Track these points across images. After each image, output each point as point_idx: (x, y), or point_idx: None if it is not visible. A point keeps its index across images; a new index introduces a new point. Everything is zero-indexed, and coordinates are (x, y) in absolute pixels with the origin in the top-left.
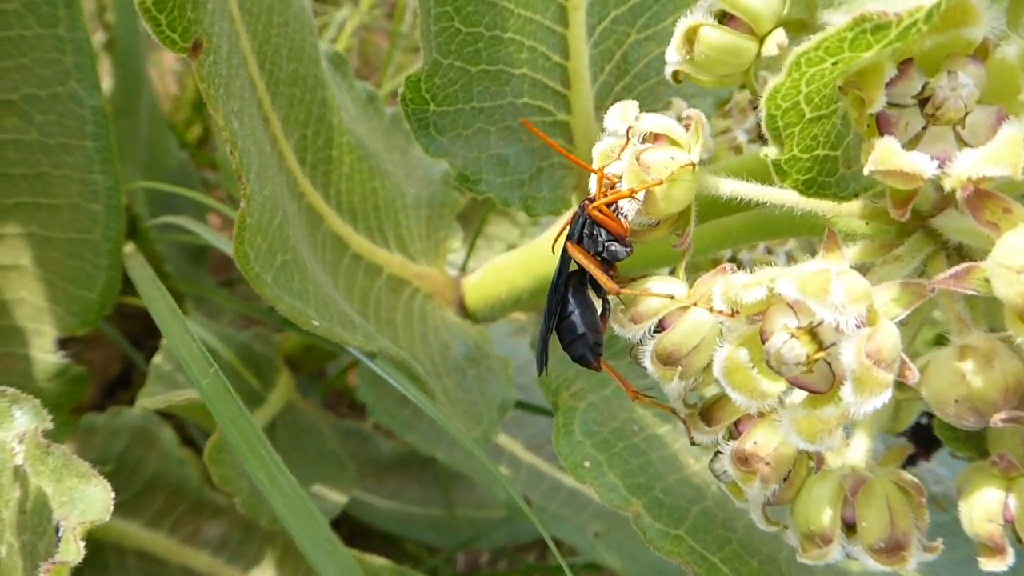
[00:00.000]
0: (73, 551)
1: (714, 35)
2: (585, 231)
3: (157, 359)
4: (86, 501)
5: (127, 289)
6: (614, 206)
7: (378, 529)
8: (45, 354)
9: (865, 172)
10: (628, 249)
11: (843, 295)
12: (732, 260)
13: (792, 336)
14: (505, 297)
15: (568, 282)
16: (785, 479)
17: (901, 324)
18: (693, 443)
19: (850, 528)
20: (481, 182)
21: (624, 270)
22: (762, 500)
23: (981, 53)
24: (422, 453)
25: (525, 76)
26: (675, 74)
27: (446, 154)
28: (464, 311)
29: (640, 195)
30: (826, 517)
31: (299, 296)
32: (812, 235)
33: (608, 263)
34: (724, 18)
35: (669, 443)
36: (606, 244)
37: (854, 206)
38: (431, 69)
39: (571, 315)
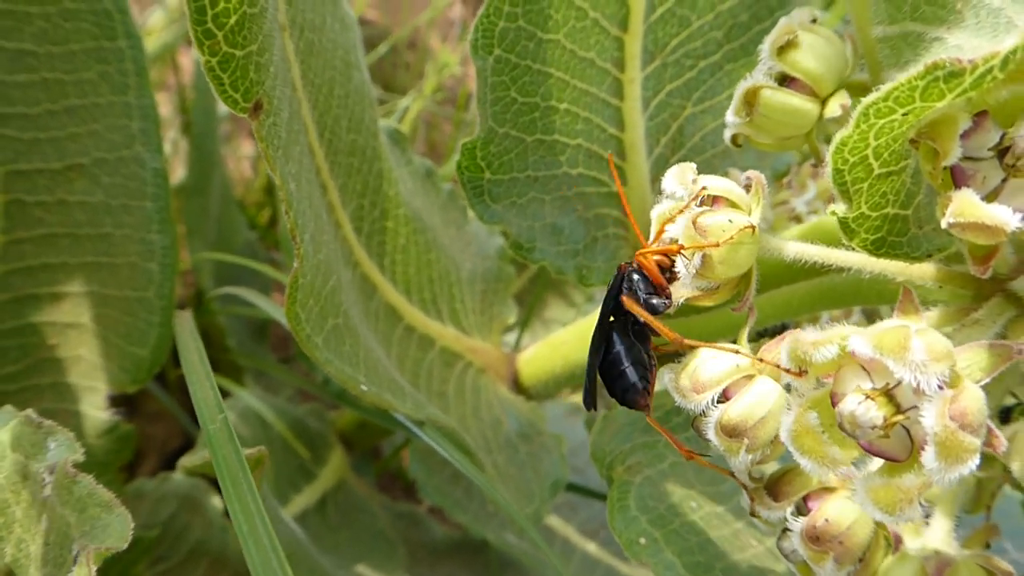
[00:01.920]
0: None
1: (775, 97)
2: (626, 284)
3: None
4: (106, 530)
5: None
6: (662, 265)
7: None
8: (96, 411)
9: (943, 225)
10: (667, 302)
11: (924, 352)
12: None
13: (867, 397)
14: (559, 372)
15: (613, 324)
16: (861, 560)
17: (984, 390)
18: (754, 515)
19: None
20: (535, 250)
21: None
22: None
23: None
24: (473, 535)
25: (580, 147)
26: (735, 137)
27: (500, 222)
28: (518, 387)
29: (696, 258)
30: None
31: (349, 360)
32: (880, 303)
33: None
34: (785, 80)
35: (729, 522)
36: (646, 298)
37: (927, 268)
38: (487, 137)
39: (616, 351)
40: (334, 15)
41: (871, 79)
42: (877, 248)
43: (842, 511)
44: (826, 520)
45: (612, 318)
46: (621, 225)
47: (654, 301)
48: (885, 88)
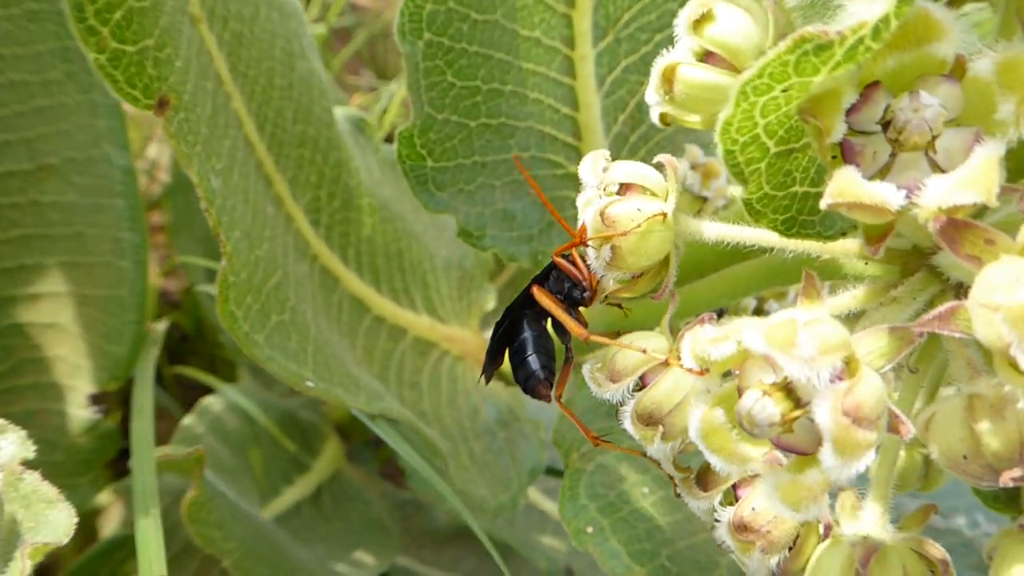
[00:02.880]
0: (16, 571)
1: (693, 73)
2: (552, 276)
3: (188, 420)
4: (50, 525)
5: (181, 360)
6: (584, 254)
7: None
8: (79, 409)
9: (822, 205)
10: (589, 294)
11: (812, 346)
12: (758, 310)
13: (765, 394)
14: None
15: (527, 311)
16: (791, 548)
17: (912, 372)
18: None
19: None
20: (486, 237)
21: (625, 327)
22: (767, 572)
23: (958, 71)
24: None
25: (531, 129)
26: (662, 116)
27: (446, 210)
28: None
29: (606, 250)
30: None
31: (295, 357)
32: (823, 279)
33: (573, 307)
34: (705, 56)
35: (682, 506)
36: (569, 290)
37: (850, 245)
38: (424, 124)
39: (523, 337)
40: (270, 4)
41: None
42: (788, 228)
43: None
44: (753, 509)
45: (528, 305)
46: None
47: (576, 293)
48: (759, 63)
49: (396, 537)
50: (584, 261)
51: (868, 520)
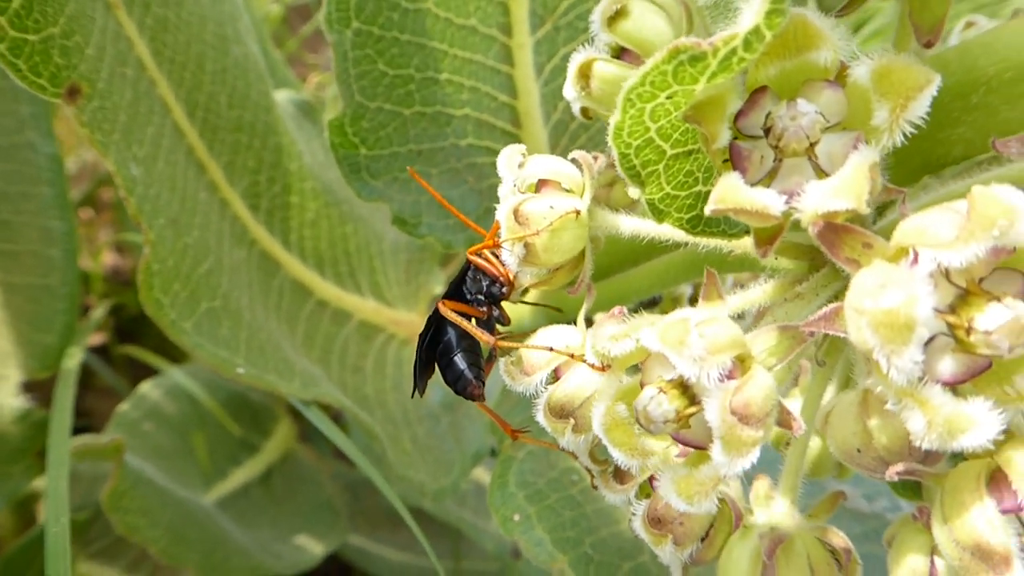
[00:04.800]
0: None
1: (607, 69)
2: (469, 275)
3: (123, 406)
4: None
5: (133, 339)
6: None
7: None
8: (9, 398)
9: (706, 212)
10: (506, 289)
11: (702, 346)
12: (694, 297)
13: (661, 391)
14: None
15: (444, 322)
16: (704, 538)
17: (820, 365)
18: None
19: None
20: (421, 225)
21: (553, 318)
22: (680, 563)
23: (841, 77)
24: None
25: (468, 117)
26: (584, 111)
27: (380, 198)
28: None
29: (518, 248)
30: None
31: (226, 343)
32: (742, 270)
33: (494, 303)
34: (621, 52)
35: None
36: (488, 287)
37: (750, 242)
38: (355, 112)
39: (447, 339)
40: None
41: None
42: (694, 226)
43: None
44: (666, 503)
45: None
46: None
47: (494, 289)
48: (639, 72)
49: (345, 519)
50: (499, 257)
51: (778, 509)
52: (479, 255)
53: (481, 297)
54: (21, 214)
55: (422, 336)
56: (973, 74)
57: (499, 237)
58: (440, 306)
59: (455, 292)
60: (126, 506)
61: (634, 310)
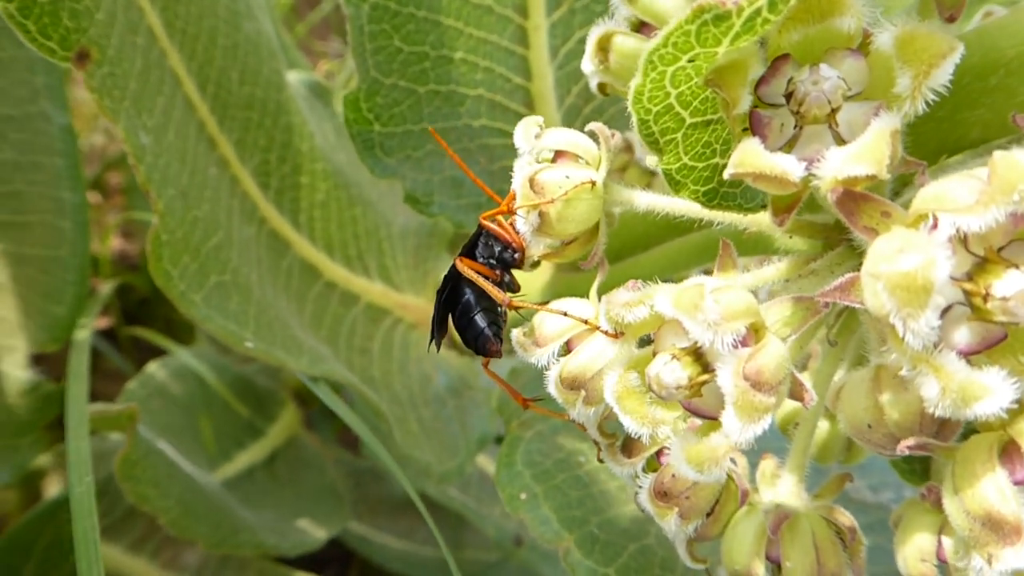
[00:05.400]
0: None
1: (627, 43)
2: (481, 240)
3: (131, 384)
4: None
5: (138, 322)
6: (512, 220)
7: (388, 570)
8: (18, 370)
9: (725, 176)
10: (519, 256)
11: (716, 311)
12: None
13: (674, 357)
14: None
15: (460, 280)
16: (709, 514)
17: (832, 344)
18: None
19: (780, 567)
20: (433, 204)
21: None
22: (685, 536)
23: (864, 46)
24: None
25: (482, 97)
26: (601, 87)
27: (394, 175)
28: (452, 341)
29: (533, 216)
30: (749, 556)
31: (235, 317)
32: (756, 253)
33: (505, 269)
34: (640, 26)
35: (616, 475)
36: (500, 252)
37: (767, 217)
38: (370, 88)
39: (466, 299)
40: None
41: None
42: (710, 200)
43: None
44: (673, 476)
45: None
46: None
47: (507, 255)
48: (663, 32)
49: (348, 504)
50: (511, 223)
51: (784, 488)
52: (492, 221)
53: (493, 262)
54: (33, 185)
55: (439, 292)
56: (992, 56)
57: (514, 204)
58: (457, 262)
59: (468, 256)
60: (138, 475)
61: None
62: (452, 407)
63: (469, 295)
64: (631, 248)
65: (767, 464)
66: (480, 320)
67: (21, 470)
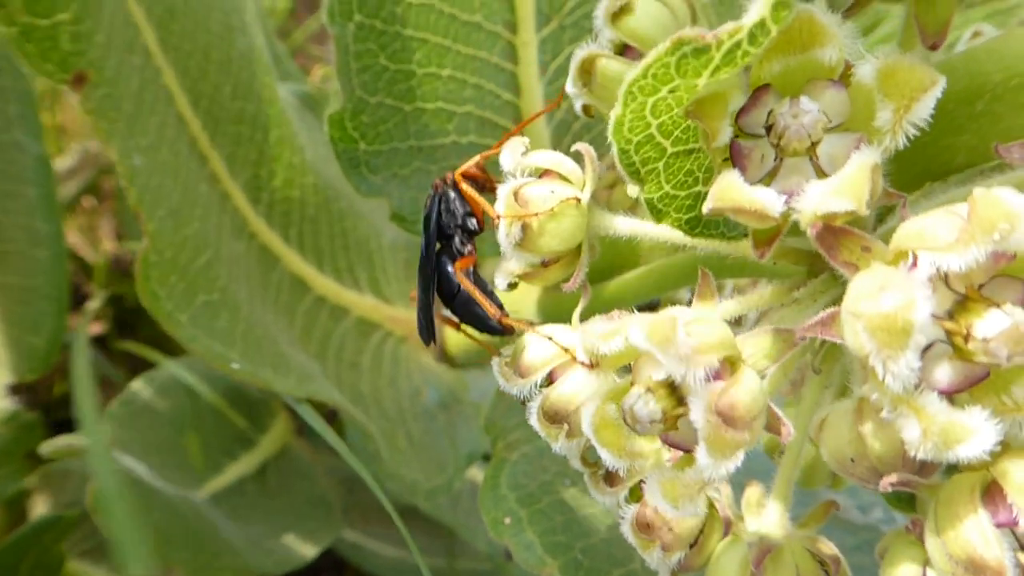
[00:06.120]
0: None
1: (611, 66)
2: (442, 206)
3: (113, 404)
4: None
5: (131, 329)
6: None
7: None
8: None
9: (704, 210)
10: (480, 225)
11: (689, 345)
12: (691, 302)
13: (648, 390)
14: (487, 339)
15: (442, 252)
16: (693, 545)
17: (816, 372)
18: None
19: None
20: (418, 222)
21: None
22: (668, 568)
23: (845, 77)
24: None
25: (471, 114)
26: (585, 108)
27: (379, 194)
28: (443, 355)
29: (516, 228)
30: None
31: (222, 337)
32: (742, 275)
33: (466, 237)
34: (624, 48)
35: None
36: (464, 217)
37: (749, 245)
38: (356, 107)
39: (461, 291)
40: None
41: None
42: (692, 228)
43: None
44: (655, 508)
45: (438, 245)
46: None
47: (472, 222)
48: (643, 63)
49: (339, 515)
50: (483, 190)
51: (769, 517)
52: (467, 182)
53: (457, 226)
54: (7, 214)
55: (427, 281)
56: (978, 81)
57: (488, 169)
58: (456, 270)
59: (435, 230)
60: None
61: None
62: (442, 422)
63: (457, 280)
64: (619, 267)
65: (752, 492)
66: (479, 311)
67: (2, 497)
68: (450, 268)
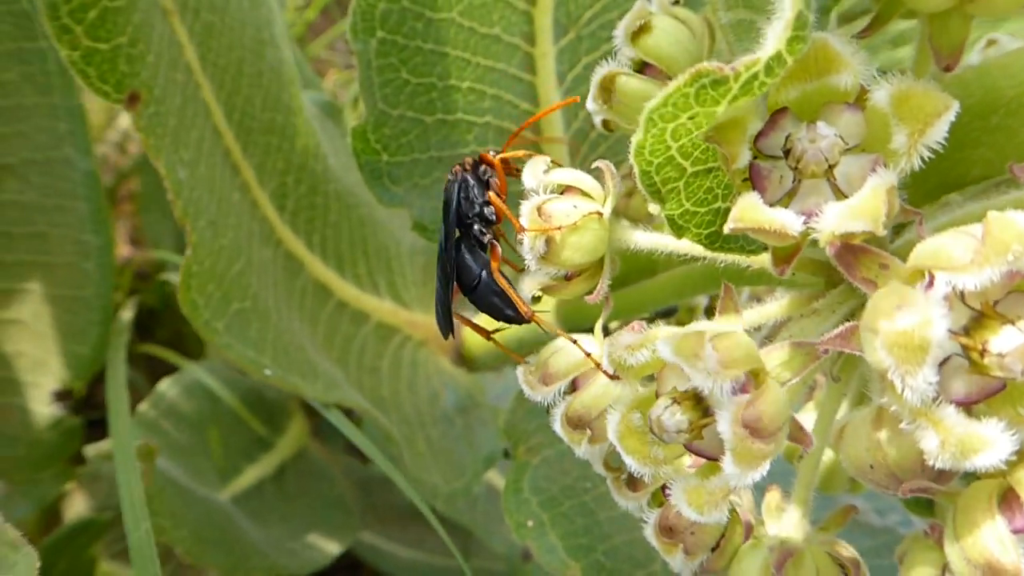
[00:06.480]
0: None
1: (630, 83)
2: (462, 193)
3: (143, 405)
4: (13, 569)
5: (149, 332)
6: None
7: None
8: (42, 406)
9: (725, 230)
10: (498, 215)
11: (716, 359)
12: (710, 308)
13: (675, 401)
14: (505, 342)
15: (461, 241)
16: (715, 548)
17: (835, 380)
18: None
19: None
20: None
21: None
22: (691, 571)
23: (861, 100)
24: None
25: (490, 124)
26: (605, 123)
27: (401, 204)
28: (461, 359)
29: (541, 242)
30: None
31: (254, 344)
32: (759, 284)
33: (485, 226)
34: (644, 66)
35: None
36: (483, 205)
37: (768, 258)
38: (378, 120)
39: (483, 280)
40: None
41: (729, 58)
42: (712, 242)
43: None
44: (678, 512)
45: (457, 233)
46: None
47: (487, 212)
48: (662, 94)
49: (357, 516)
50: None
51: (789, 521)
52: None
53: (476, 215)
54: (58, 227)
55: (446, 272)
56: (993, 96)
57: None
58: (490, 272)
59: (455, 219)
60: (155, 509)
61: (650, 319)
62: (460, 426)
63: (479, 270)
64: (636, 274)
65: (772, 496)
66: (499, 303)
67: (42, 502)
68: (468, 257)
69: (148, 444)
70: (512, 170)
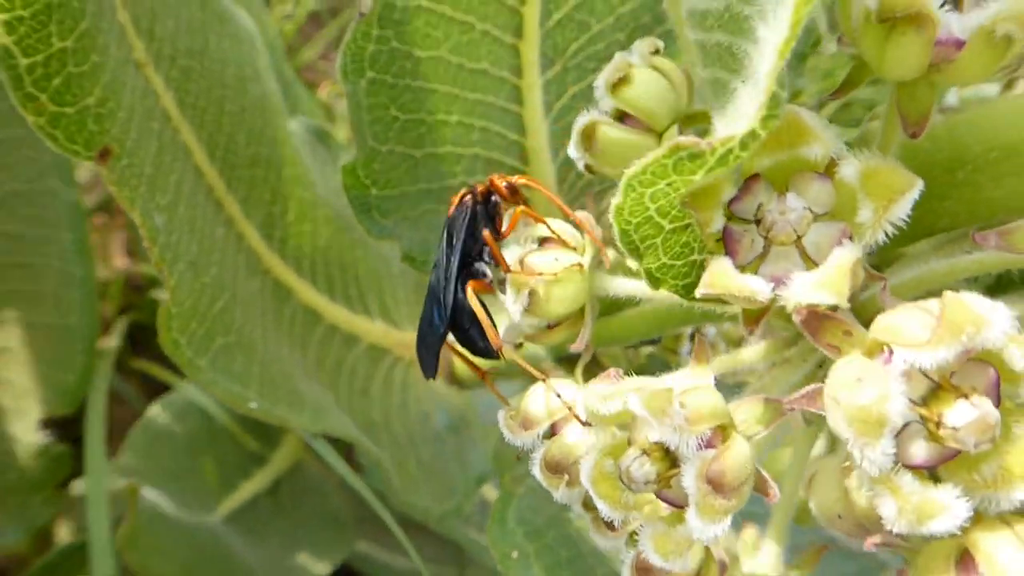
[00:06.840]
0: None
1: (611, 133)
2: (469, 230)
3: (134, 432)
4: None
5: (142, 352)
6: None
7: None
8: (28, 434)
9: (697, 295)
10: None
11: (683, 416)
12: (694, 335)
13: (644, 452)
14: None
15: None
16: None
17: (807, 423)
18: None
19: None
20: (429, 261)
21: (558, 353)
22: None
23: (830, 169)
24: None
25: (478, 156)
26: (588, 167)
27: (391, 236)
28: (452, 377)
29: (524, 295)
30: None
31: (239, 378)
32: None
33: (485, 263)
34: (623, 115)
35: None
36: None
37: None
38: (368, 156)
39: (470, 329)
40: (220, 33)
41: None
42: (688, 292)
43: None
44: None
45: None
46: None
47: (486, 253)
48: (641, 163)
49: (352, 530)
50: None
51: (764, 559)
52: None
53: (479, 252)
54: (42, 257)
55: (441, 309)
56: (959, 151)
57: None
58: (470, 291)
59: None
60: (140, 546)
61: (635, 346)
62: (452, 445)
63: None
64: (620, 304)
65: (748, 533)
66: (476, 337)
67: (32, 528)
68: (462, 296)
69: (131, 485)
70: (522, 199)
